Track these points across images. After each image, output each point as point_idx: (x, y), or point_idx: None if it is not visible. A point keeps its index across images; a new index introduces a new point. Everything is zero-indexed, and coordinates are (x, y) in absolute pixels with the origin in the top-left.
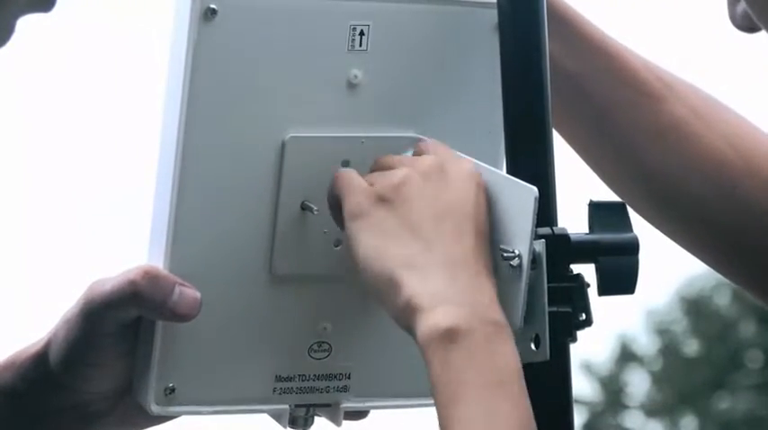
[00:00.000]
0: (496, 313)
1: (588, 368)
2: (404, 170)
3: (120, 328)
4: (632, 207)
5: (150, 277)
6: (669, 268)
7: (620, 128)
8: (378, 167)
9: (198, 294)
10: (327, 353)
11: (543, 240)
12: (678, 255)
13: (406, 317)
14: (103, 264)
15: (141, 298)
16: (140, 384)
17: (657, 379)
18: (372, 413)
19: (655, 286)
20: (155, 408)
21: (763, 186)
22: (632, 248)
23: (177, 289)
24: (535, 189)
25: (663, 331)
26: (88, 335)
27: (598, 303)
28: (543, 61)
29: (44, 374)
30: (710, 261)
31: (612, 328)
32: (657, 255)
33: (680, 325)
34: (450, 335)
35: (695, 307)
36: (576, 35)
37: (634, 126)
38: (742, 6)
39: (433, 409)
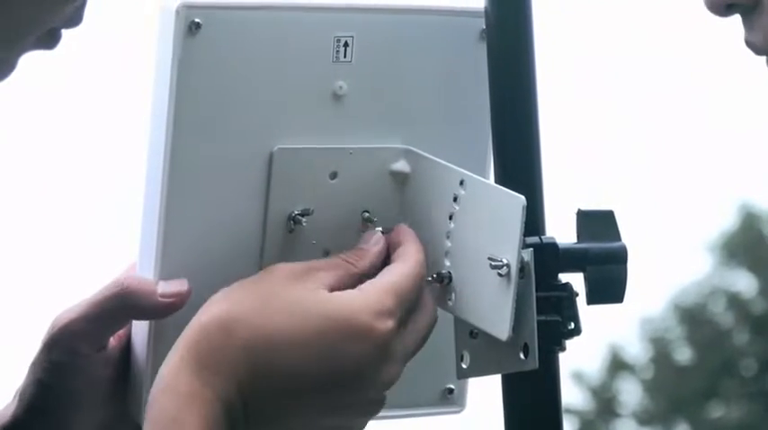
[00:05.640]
0: None
1: (579, 377)
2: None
3: (93, 361)
4: None
5: (132, 276)
6: (664, 277)
7: None
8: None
9: (185, 281)
10: None
11: (531, 249)
12: (673, 264)
13: None
14: (98, 273)
15: (130, 292)
16: (134, 402)
17: (649, 387)
18: (370, 423)
19: (649, 295)
20: None
21: None
22: (621, 257)
23: (161, 282)
24: (523, 198)
25: (657, 339)
26: (60, 373)
27: (590, 312)
28: (531, 69)
29: None
30: None
31: (605, 337)
32: (652, 263)
33: (674, 333)
34: None
35: (690, 315)
36: None
37: None
38: None
39: (432, 418)
